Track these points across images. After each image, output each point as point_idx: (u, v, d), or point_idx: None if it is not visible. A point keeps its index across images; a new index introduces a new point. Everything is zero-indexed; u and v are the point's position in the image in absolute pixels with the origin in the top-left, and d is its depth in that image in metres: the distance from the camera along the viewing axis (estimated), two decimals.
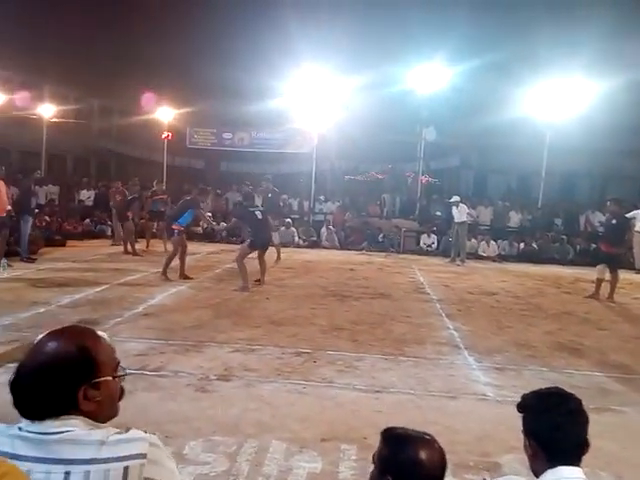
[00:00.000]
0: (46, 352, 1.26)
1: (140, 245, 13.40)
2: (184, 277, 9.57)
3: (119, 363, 1.36)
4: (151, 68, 22.10)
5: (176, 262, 9.66)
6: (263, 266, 9.45)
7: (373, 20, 21.18)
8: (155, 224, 14.55)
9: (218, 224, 13.07)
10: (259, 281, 9.34)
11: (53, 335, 1.30)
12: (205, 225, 14.27)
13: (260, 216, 9.24)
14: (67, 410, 1.25)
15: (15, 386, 1.26)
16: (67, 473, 1.20)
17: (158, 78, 21.50)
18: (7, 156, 19.36)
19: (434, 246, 15.87)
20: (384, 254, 15.23)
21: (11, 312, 6.67)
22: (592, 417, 1.77)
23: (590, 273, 11.09)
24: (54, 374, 1.24)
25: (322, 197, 18.87)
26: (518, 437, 1.88)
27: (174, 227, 9.53)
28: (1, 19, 17.08)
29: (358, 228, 16.85)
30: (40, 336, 1.31)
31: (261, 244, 9.27)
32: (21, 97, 19.12)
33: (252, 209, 9.38)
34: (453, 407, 4.37)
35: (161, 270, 9.46)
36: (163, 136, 19.85)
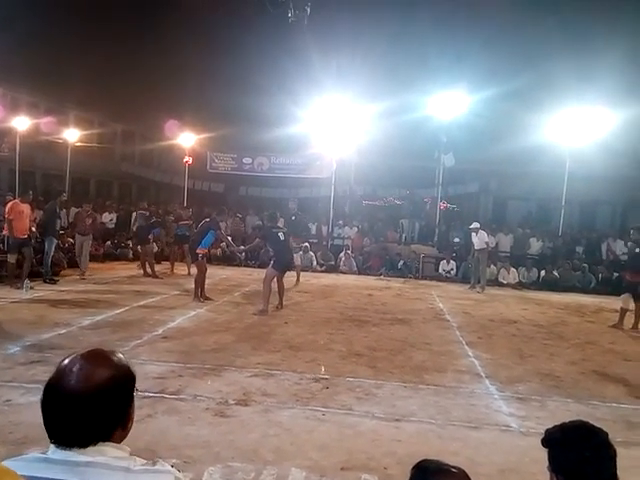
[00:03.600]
0: (95, 379, 1.23)
1: (160, 267, 13.51)
2: (205, 298, 9.74)
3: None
4: (173, 94, 22.59)
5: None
6: (282, 289, 9.48)
7: (392, 49, 21.46)
8: (178, 248, 14.69)
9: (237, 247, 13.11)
10: (279, 307, 9.38)
11: (93, 360, 1.28)
12: (225, 246, 14.30)
13: (282, 237, 9.33)
14: (111, 433, 1.26)
15: (57, 413, 1.23)
16: None
17: (180, 104, 21.96)
18: (32, 179, 19.79)
19: (453, 272, 15.73)
20: (403, 280, 15.15)
21: (33, 333, 6.75)
22: (619, 451, 1.72)
23: (613, 302, 10.91)
24: (110, 399, 1.24)
25: (340, 222, 18.90)
26: (543, 470, 1.84)
27: (198, 251, 9.74)
28: (28, 48, 17.64)
29: (376, 253, 16.80)
30: (73, 360, 1.28)
31: (284, 265, 9.36)
32: (47, 122, 19.62)
33: (275, 230, 9.43)
34: (475, 438, 4.28)
35: (193, 295, 9.75)
36: (184, 160, 20.14)
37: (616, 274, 14.91)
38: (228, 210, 14.57)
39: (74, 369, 1.25)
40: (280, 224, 10.65)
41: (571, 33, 20.02)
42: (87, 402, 1.22)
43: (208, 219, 10.25)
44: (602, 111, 15.94)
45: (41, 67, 18.79)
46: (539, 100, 17.88)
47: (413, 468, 1.55)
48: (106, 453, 1.24)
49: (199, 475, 3.39)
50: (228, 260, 15.85)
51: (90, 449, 1.23)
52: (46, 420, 1.24)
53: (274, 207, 18.03)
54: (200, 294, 9.74)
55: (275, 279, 9.25)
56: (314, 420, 4.44)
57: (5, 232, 10.60)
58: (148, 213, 14.19)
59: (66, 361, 1.28)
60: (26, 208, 10.48)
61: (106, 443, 1.25)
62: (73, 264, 13.08)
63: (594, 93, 16.26)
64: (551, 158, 17.43)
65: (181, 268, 13.74)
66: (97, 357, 1.29)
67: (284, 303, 9.54)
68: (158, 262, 13.59)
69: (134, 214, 15.27)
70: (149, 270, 12.75)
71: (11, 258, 10.33)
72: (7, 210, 10.36)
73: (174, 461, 3.46)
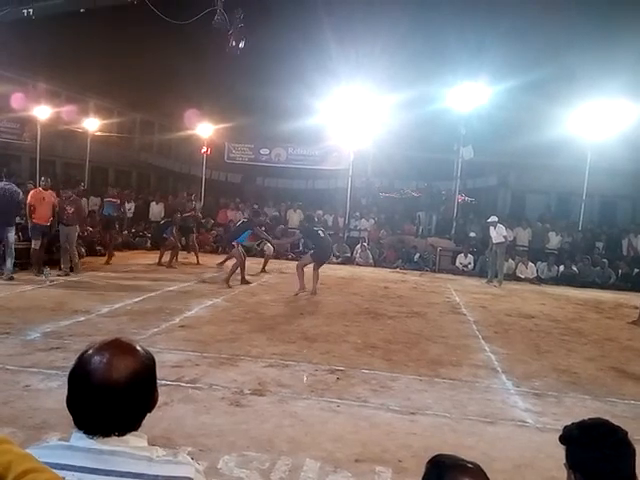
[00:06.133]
0: (127, 371, 1.24)
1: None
2: (245, 282, 10.72)
3: None
4: (192, 84, 22.62)
5: (218, 272, 10.55)
6: (317, 277, 10.18)
7: (412, 40, 21.24)
8: (183, 239, 14.80)
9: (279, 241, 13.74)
10: (313, 293, 10.05)
11: (120, 351, 1.27)
12: (262, 243, 14.48)
13: (322, 235, 10.38)
14: (140, 422, 1.28)
15: (88, 404, 1.23)
16: None
17: (198, 94, 21.99)
18: (52, 167, 20.02)
19: (470, 266, 15.62)
20: (419, 273, 15.09)
21: (52, 319, 6.85)
22: (638, 449, 1.70)
23: (633, 298, 10.79)
24: (141, 389, 1.26)
25: (357, 214, 18.84)
26: (559, 466, 1.82)
27: (233, 244, 10.71)
28: (48, 37, 17.75)
29: (393, 245, 16.74)
30: (99, 351, 1.26)
31: (322, 258, 10.35)
32: (67, 111, 19.79)
33: (316, 229, 10.59)
34: (491, 432, 4.26)
35: (240, 280, 10.66)
36: (202, 151, 20.20)
37: (636, 270, 14.73)
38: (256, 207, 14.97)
39: (103, 360, 1.24)
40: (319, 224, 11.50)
41: (594, 25, 19.65)
42: (121, 394, 1.22)
43: (246, 219, 11.43)
44: (625, 104, 15.67)
45: (62, 56, 18.93)
46: (561, 92, 17.60)
47: (428, 463, 1.54)
48: (128, 442, 1.25)
49: (214, 463, 3.42)
50: (247, 250, 15.90)
51: (113, 438, 1.24)
52: (74, 409, 1.25)
53: (291, 199, 18.20)
54: (244, 279, 10.70)
55: (313, 268, 10.12)
56: (329, 411, 4.45)
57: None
58: (118, 201, 14.08)
59: (91, 351, 1.26)
60: (47, 195, 10.61)
61: (134, 431, 1.27)
62: (91, 252, 13.22)
63: (617, 86, 15.98)
64: (572, 151, 17.18)
65: (189, 258, 13.96)
66: (123, 347, 1.28)
67: (300, 294, 9.80)
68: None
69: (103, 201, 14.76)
70: (164, 259, 12.86)
71: (35, 244, 10.42)
72: (29, 197, 10.50)
73: (189, 449, 3.50)
